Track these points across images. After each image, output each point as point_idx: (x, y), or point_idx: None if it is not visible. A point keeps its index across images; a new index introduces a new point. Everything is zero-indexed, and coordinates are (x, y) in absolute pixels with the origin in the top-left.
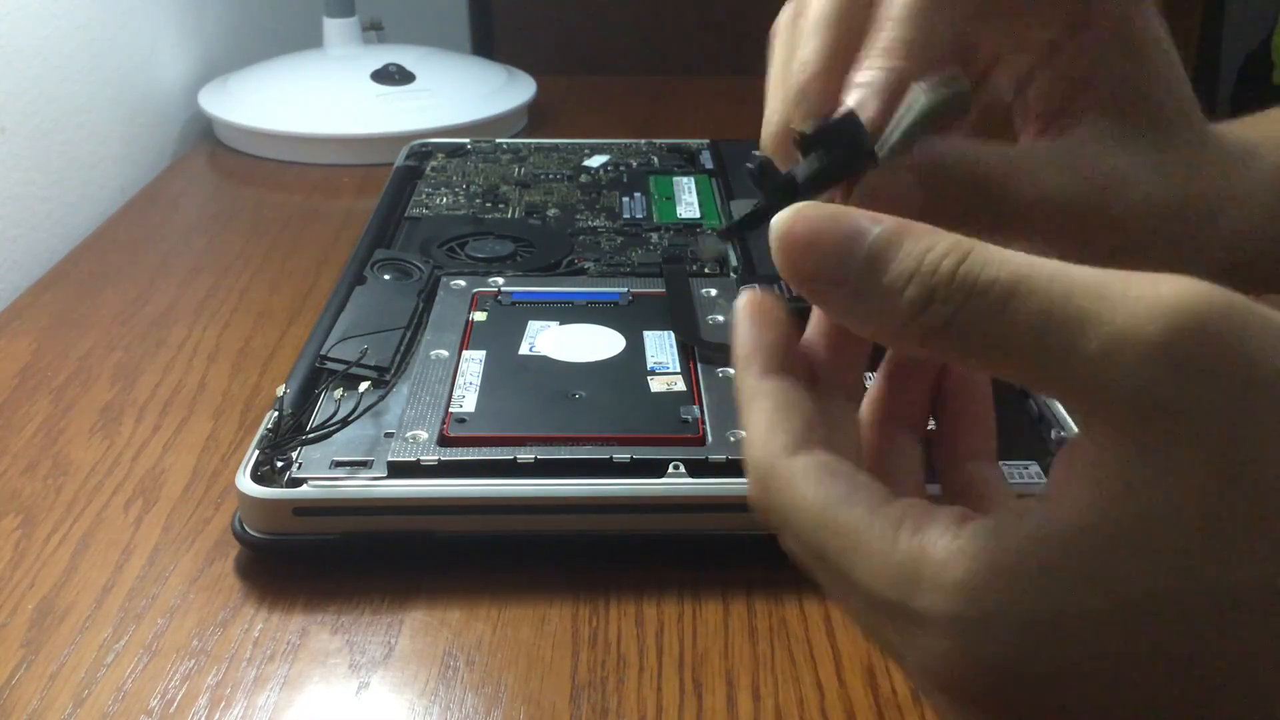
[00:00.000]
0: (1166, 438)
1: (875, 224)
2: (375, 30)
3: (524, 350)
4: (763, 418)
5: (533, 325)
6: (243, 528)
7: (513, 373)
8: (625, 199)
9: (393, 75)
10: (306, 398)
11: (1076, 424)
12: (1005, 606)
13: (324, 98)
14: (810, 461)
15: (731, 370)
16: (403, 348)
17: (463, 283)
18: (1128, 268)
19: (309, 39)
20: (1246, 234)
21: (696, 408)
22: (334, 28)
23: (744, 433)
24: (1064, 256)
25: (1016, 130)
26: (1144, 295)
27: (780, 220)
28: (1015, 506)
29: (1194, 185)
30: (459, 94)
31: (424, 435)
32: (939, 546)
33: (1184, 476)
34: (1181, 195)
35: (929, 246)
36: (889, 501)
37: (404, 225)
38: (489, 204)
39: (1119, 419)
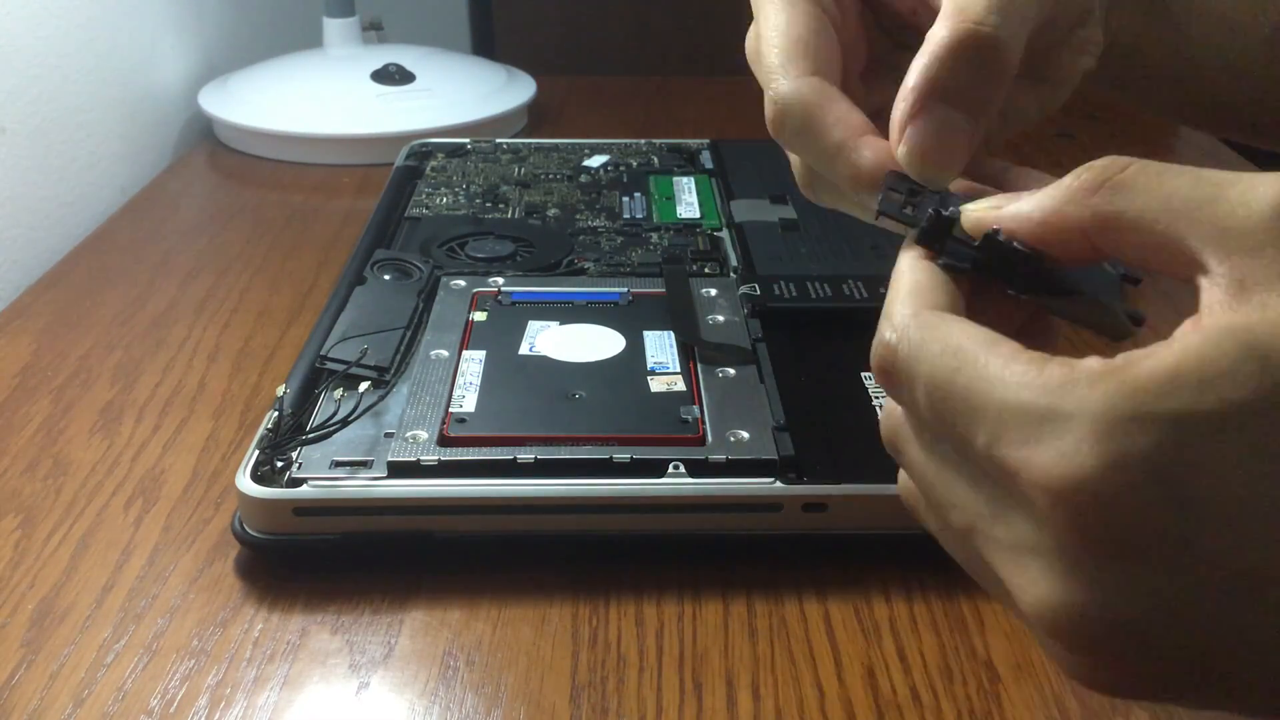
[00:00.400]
0: None
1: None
2: (375, 30)
3: (524, 350)
4: (917, 279)
5: (533, 325)
6: (243, 528)
7: (513, 373)
8: (625, 199)
9: (393, 75)
10: (306, 398)
11: (1209, 279)
12: (1158, 404)
13: (324, 98)
14: (957, 319)
15: (732, 371)
16: (403, 348)
17: (463, 283)
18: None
19: (309, 39)
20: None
21: (696, 408)
22: (334, 28)
23: (890, 296)
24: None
25: None
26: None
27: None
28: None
29: None
30: (459, 94)
31: (424, 435)
32: (1092, 364)
33: None
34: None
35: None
36: (1022, 349)
37: (404, 225)
38: (489, 204)
39: (1259, 240)
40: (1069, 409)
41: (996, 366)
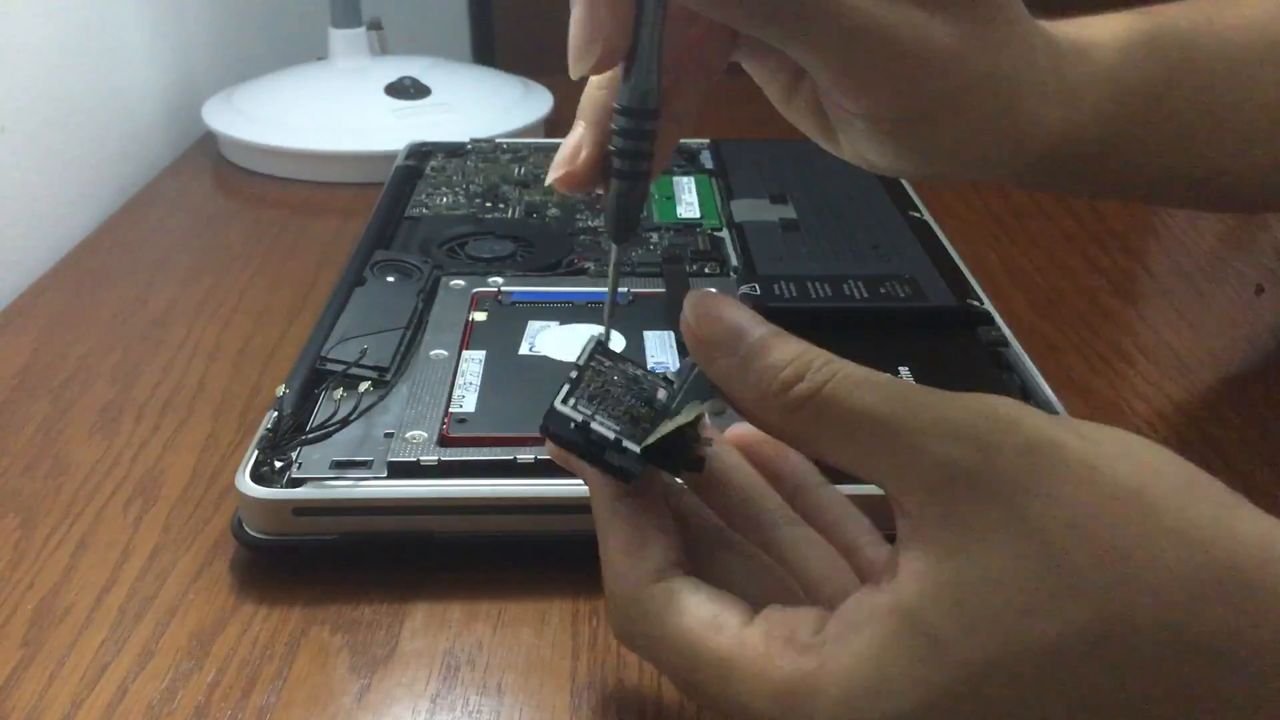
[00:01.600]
0: (969, 502)
1: (768, 325)
2: (375, 30)
3: (524, 350)
4: (619, 544)
5: (533, 325)
6: (242, 528)
7: (513, 373)
8: None
9: (408, 89)
10: (306, 398)
11: (900, 508)
12: (872, 707)
13: (337, 114)
14: (669, 588)
15: None
16: (402, 348)
17: (463, 283)
18: (933, 140)
19: (311, 44)
20: (1068, 130)
21: None
22: (340, 38)
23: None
24: (868, 114)
25: None
26: (956, 394)
27: (694, 296)
28: (860, 604)
29: (1002, 63)
30: (477, 108)
31: (424, 435)
32: (809, 667)
33: (987, 537)
34: (987, 68)
35: (809, 347)
36: (751, 621)
37: (404, 225)
38: (489, 204)
39: (931, 484)
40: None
41: (725, 668)
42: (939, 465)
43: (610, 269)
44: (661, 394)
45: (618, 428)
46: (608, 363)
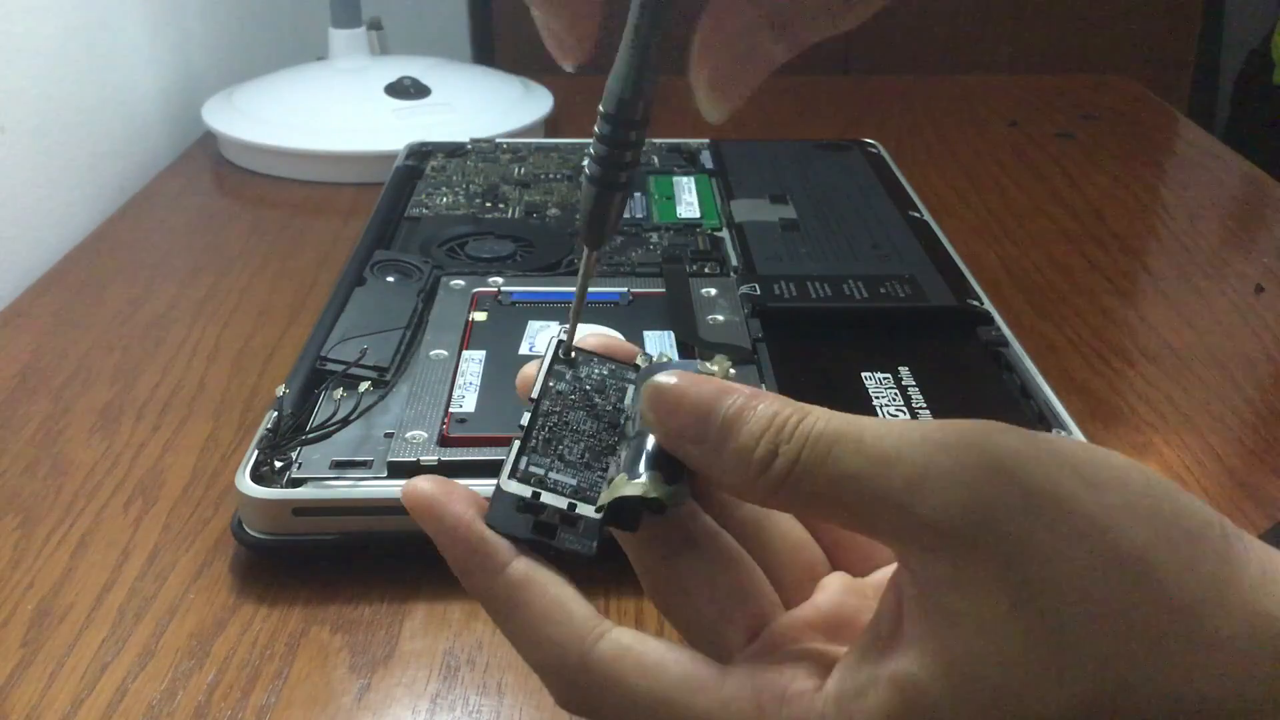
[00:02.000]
0: (968, 564)
1: (730, 395)
2: (375, 30)
3: (524, 350)
4: (537, 612)
5: (533, 325)
6: (242, 528)
7: (513, 373)
8: None
9: (408, 89)
10: (306, 398)
11: (903, 564)
12: None
13: (338, 114)
14: (617, 644)
15: (732, 370)
16: (402, 348)
17: (462, 283)
18: None
19: (311, 37)
20: None
21: None
22: (340, 38)
23: (512, 642)
24: None
25: None
26: (942, 432)
27: (649, 391)
28: (862, 669)
29: None
30: (477, 107)
31: (424, 435)
32: None
33: (990, 604)
34: None
35: (776, 411)
36: (726, 672)
37: (404, 225)
38: (489, 204)
39: (926, 544)
40: None
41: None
42: (932, 526)
43: (580, 272)
44: (629, 397)
45: (573, 482)
46: (569, 373)
